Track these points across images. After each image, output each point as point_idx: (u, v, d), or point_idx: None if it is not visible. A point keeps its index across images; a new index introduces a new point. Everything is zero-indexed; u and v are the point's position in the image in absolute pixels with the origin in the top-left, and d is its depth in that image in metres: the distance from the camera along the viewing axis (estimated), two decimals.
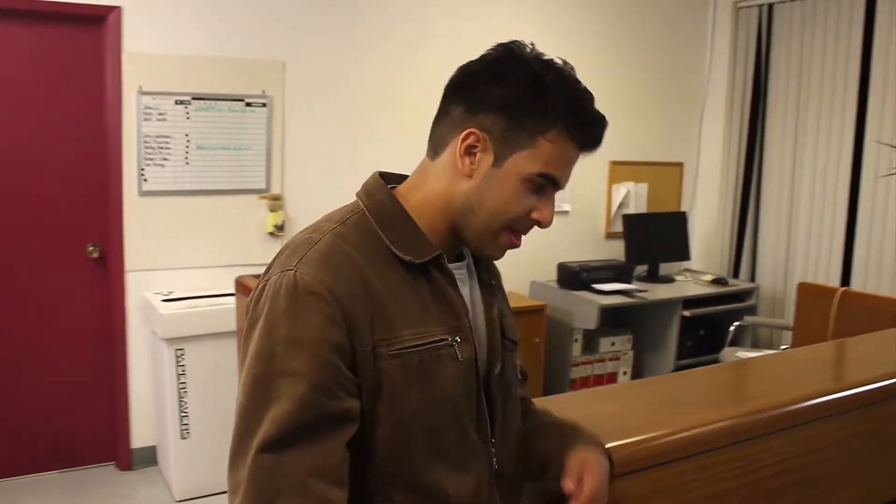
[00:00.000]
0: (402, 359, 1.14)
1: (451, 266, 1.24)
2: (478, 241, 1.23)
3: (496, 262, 1.37)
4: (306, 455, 1.06)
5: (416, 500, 1.17)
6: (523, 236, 1.26)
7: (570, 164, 1.20)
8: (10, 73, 3.66)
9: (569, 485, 1.23)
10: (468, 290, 1.29)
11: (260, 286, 1.16)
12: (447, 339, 1.19)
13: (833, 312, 2.97)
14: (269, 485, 1.05)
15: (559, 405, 1.49)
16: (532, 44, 1.20)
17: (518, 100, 1.16)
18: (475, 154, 1.19)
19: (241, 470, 1.07)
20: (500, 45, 1.21)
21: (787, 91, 5.13)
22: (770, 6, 5.20)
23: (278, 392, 1.07)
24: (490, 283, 1.34)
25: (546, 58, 1.19)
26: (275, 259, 1.20)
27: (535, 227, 1.24)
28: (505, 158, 1.17)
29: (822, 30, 4.90)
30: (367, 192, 1.26)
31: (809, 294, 3.18)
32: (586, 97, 1.19)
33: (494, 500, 1.27)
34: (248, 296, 2.95)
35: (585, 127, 1.18)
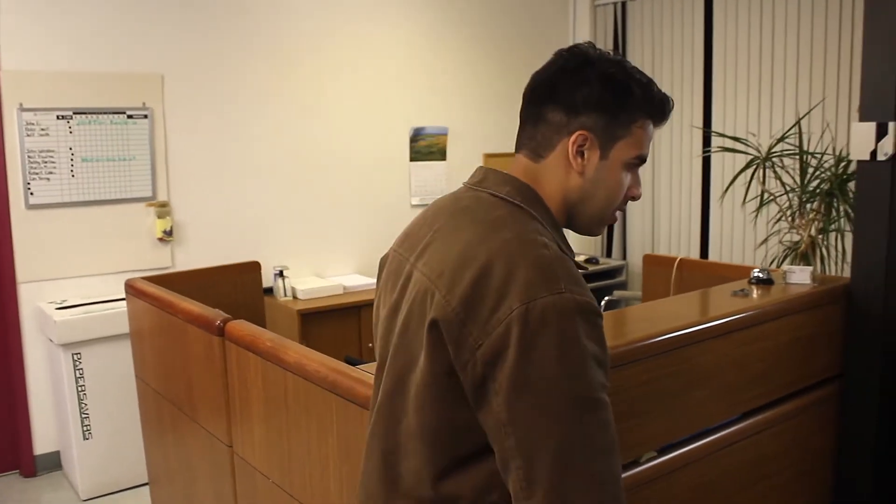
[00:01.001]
0: None
1: None
2: (590, 224, 1.39)
3: None
4: (619, 453, 1.19)
5: None
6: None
7: (651, 140, 1.37)
8: None
9: None
10: None
11: (517, 308, 1.14)
12: None
13: (673, 279, 3.35)
14: (618, 482, 1.17)
15: None
16: (591, 43, 1.36)
17: (609, 97, 1.30)
18: (584, 152, 1.31)
19: (580, 482, 1.14)
20: (567, 51, 1.36)
21: None
22: (623, 3, 5.62)
23: (598, 407, 1.15)
24: None
25: (606, 54, 1.35)
26: (499, 279, 1.18)
27: None
28: (609, 150, 1.32)
29: (668, 24, 5.35)
30: (528, 200, 1.33)
31: (653, 264, 3.55)
32: (652, 82, 1.36)
33: None
34: (137, 297, 3.12)
35: (662, 107, 1.36)
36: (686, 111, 5.30)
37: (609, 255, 5.85)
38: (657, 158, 5.52)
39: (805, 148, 3.44)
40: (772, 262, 4.10)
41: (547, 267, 1.18)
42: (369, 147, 5.01)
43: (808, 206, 3.45)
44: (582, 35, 5.85)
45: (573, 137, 1.31)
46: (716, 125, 5.10)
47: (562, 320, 1.14)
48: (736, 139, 3.17)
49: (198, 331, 2.67)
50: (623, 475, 2.17)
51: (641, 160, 1.37)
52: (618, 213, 1.42)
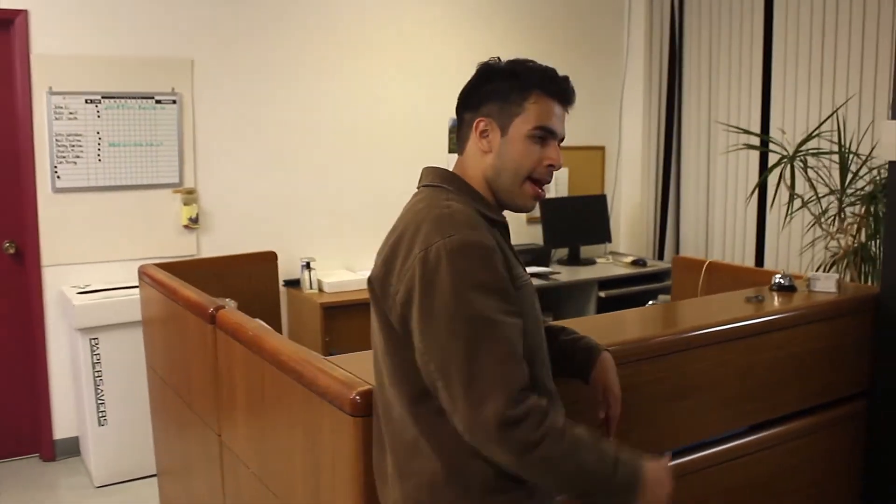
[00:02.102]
0: (521, 290, 1.60)
1: None
2: (510, 196, 1.67)
3: None
4: (522, 364, 1.48)
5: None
6: (545, 187, 1.71)
7: (555, 115, 1.65)
8: None
9: (602, 414, 1.82)
10: None
11: (417, 254, 1.49)
12: (528, 277, 1.68)
13: (701, 282, 3.34)
14: (517, 384, 1.44)
15: None
16: (499, 58, 1.70)
17: (501, 86, 1.64)
18: (487, 135, 1.65)
19: (488, 386, 1.42)
20: (479, 65, 1.70)
21: (700, 72, 5.52)
22: None
23: (495, 325, 1.46)
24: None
25: (510, 59, 1.69)
26: (408, 238, 1.54)
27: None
28: (508, 128, 1.63)
29: (727, 15, 5.29)
30: (445, 179, 1.68)
31: (682, 266, 3.55)
32: (547, 67, 1.68)
33: None
34: (149, 283, 3.26)
35: (554, 83, 1.65)
36: (744, 107, 5.22)
37: (661, 257, 5.82)
38: (713, 157, 5.47)
39: (847, 147, 3.38)
40: (818, 269, 4.04)
41: (445, 219, 1.53)
42: (406, 137, 5.09)
43: (850, 210, 3.40)
44: (637, 28, 5.82)
45: (475, 125, 1.66)
46: (774, 120, 5.01)
47: (452, 257, 1.47)
48: (763, 136, 3.14)
49: (195, 318, 2.79)
50: None
51: (546, 131, 1.64)
52: (543, 187, 1.70)
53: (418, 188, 1.73)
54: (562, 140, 1.68)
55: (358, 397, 1.77)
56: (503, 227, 1.69)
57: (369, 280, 1.63)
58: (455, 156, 1.75)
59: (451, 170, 1.71)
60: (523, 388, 1.45)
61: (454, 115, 1.76)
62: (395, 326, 1.56)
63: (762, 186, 5.16)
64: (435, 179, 1.69)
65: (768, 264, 5.17)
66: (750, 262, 5.30)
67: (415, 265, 1.49)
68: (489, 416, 1.41)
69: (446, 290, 1.46)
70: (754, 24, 5.13)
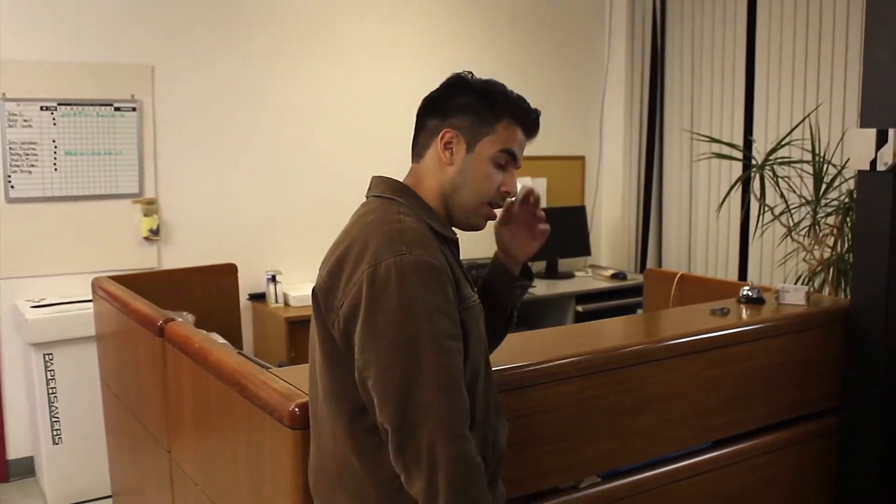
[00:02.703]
0: (469, 311, 1.62)
1: None
2: (465, 215, 1.71)
3: None
4: (462, 393, 1.51)
5: (480, 443, 1.61)
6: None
7: (520, 144, 1.71)
8: None
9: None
10: None
11: (365, 269, 1.51)
12: (476, 297, 1.69)
13: (672, 294, 3.39)
14: (457, 418, 1.48)
15: None
16: (471, 73, 1.73)
17: (476, 102, 1.67)
18: (452, 147, 1.67)
19: (422, 415, 1.46)
20: (451, 75, 1.73)
21: (682, 82, 5.59)
22: None
23: (438, 350, 1.48)
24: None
25: (484, 78, 1.73)
26: (356, 251, 1.55)
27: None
28: (474, 145, 1.67)
29: (710, 17, 5.37)
30: (395, 191, 1.70)
31: (654, 279, 3.60)
32: (520, 97, 1.73)
33: None
34: (104, 297, 3.28)
35: (526, 114, 1.70)
36: (726, 117, 5.29)
37: (643, 270, 5.85)
38: (695, 170, 5.53)
39: (822, 156, 3.44)
40: (797, 281, 4.08)
41: (395, 235, 1.55)
42: (375, 147, 5.11)
43: (824, 221, 3.45)
44: (618, 36, 5.89)
45: (441, 134, 1.69)
46: (757, 130, 5.08)
47: (401, 276, 1.49)
48: (731, 145, 3.19)
49: (144, 332, 2.81)
50: (558, 500, 2.25)
51: (510, 155, 1.70)
52: (495, 210, 1.75)
53: (367, 197, 1.74)
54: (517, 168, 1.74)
55: (297, 409, 1.80)
56: (453, 244, 1.72)
57: (313, 291, 1.64)
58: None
59: (402, 180, 1.73)
60: (460, 424, 1.48)
61: None
62: (336, 341, 1.58)
63: (745, 197, 5.24)
64: (386, 191, 1.70)
65: (751, 276, 5.23)
66: (733, 274, 5.36)
67: (362, 280, 1.51)
68: (420, 445, 1.45)
69: (393, 310, 1.48)
70: (737, 34, 5.21)
